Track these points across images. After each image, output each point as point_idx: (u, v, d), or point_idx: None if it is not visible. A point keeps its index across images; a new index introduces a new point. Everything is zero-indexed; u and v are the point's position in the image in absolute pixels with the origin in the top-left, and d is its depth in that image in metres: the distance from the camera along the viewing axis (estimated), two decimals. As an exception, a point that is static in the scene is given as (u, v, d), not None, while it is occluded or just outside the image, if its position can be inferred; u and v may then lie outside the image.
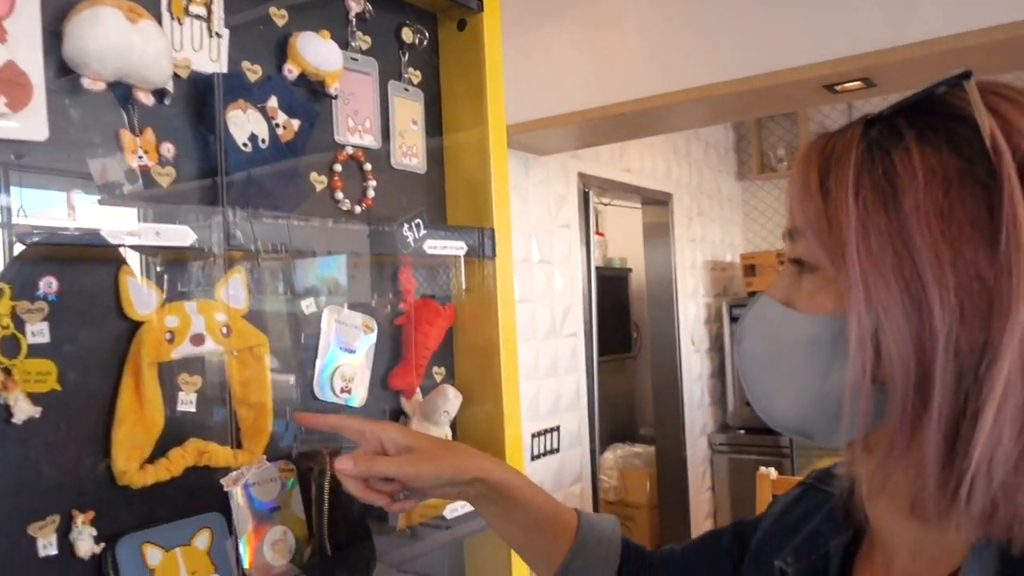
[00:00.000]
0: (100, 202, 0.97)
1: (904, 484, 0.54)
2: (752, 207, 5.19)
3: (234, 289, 1.09)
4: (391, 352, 1.35)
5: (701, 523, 4.44)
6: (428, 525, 1.45)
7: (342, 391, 1.25)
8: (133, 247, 0.94)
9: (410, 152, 1.36)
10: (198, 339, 1.05)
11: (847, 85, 2.29)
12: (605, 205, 5.03)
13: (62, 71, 0.93)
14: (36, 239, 0.85)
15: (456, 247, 1.33)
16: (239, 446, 1.11)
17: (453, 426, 1.41)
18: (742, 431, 4.54)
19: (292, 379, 1.21)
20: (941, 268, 0.50)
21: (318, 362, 1.22)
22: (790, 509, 0.78)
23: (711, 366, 4.69)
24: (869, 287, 0.52)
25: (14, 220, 0.89)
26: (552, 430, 3.31)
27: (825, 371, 0.57)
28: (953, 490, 0.50)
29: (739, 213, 5.18)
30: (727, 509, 4.54)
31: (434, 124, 1.44)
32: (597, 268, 3.79)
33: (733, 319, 4.52)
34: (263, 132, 1.10)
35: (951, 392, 0.50)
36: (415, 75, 1.40)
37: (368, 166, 1.28)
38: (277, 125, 1.12)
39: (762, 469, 2.33)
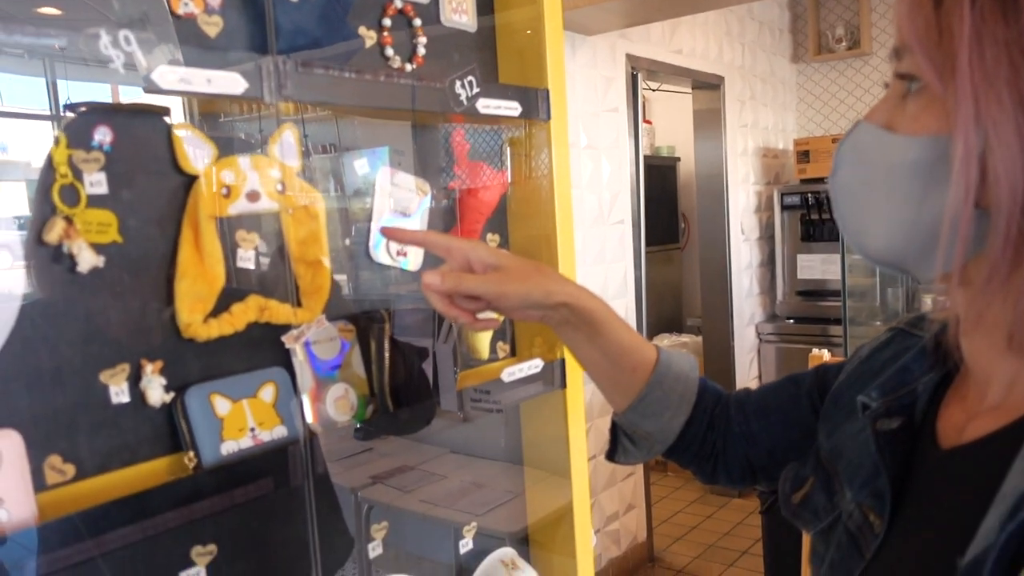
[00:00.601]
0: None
1: (1003, 316, 0.52)
2: (807, 91, 4.99)
3: (287, 145, 1.07)
4: (445, 217, 1.33)
5: (748, 411, 4.47)
6: (480, 406, 1.47)
7: (398, 254, 1.24)
8: (184, 92, 0.92)
9: (460, 8, 1.31)
10: (254, 195, 1.04)
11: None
12: (654, 91, 4.89)
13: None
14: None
15: (510, 107, 1.28)
16: (299, 304, 1.11)
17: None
18: (791, 320, 4.50)
19: (347, 241, 1.20)
20: None
21: (372, 224, 1.21)
22: (876, 354, 0.76)
23: (760, 255, 4.62)
24: (980, 102, 0.49)
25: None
26: (600, 317, 3.31)
27: (923, 197, 0.54)
28: None
29: (793, 97, 4.99)
30: (774, 398, 4.55)
31: (484, -20, 1.38)
32: (645, 157, 3.71)
33: (784, 207, 4.42)
34: (310, -18, 1.06)
35: None
36: (463, -73, 1.33)
37: (418, 21, 1.23)
38: (324, -25, 1.07)
39: (815, 350, 2.31)
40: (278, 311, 1.07)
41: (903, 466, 0.63)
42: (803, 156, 4.42)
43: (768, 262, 4.67)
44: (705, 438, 0.87)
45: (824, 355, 2.31)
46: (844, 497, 0.69)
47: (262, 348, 1.07)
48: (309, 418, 1.09)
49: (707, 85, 4.11)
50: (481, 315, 0.83)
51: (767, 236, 4.63)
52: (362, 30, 1.18)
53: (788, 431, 0.84)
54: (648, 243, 3.66)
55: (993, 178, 0.49)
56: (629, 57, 3.43)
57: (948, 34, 0.51)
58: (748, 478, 0.89)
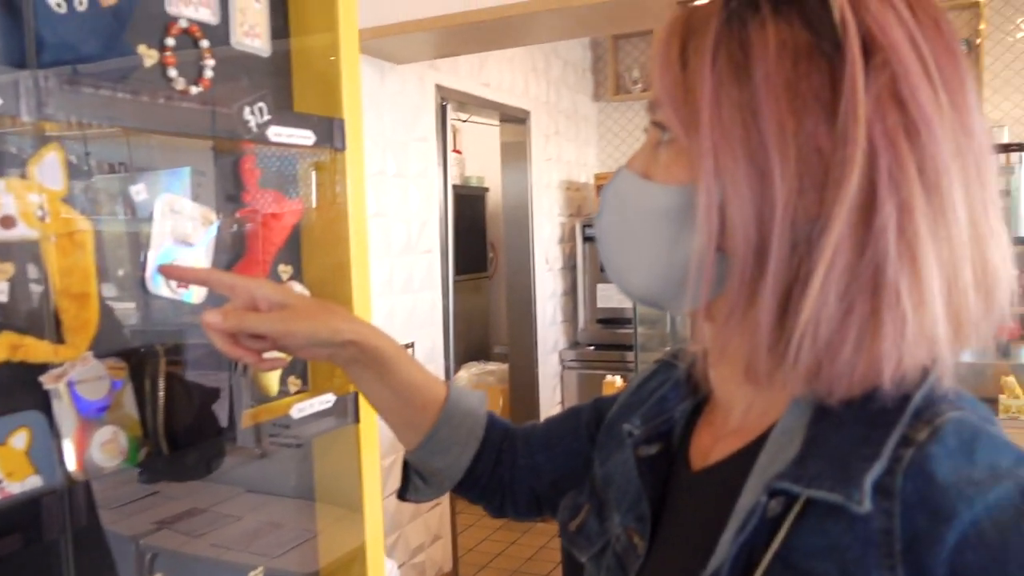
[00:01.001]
0: None
1: (741, 349, 0.56)
2: (607, 128, 5.26)
3: (50, 167, 0.98)
4: (235, 246, 1.27)
5: (552, 436, 4.59)
6: (279, 442, 1.41)
7: (179, 286, 1.17)
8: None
9: (252, 32, 1.26)
10: (8, 221, 0.94)
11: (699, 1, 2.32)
12: (463, 122, 4.97)
13: None
14: None
15: (303, 136, 1.25)
16: (61, 341, 1.02)
17: (301, 325, 1.35)
18: (592, 347, 4.70)
19: (121, 271, 1.12)
20: (784, 140, 0.51)
21: (150, 254, 1.13)
22: (644, 384, 0.80)
23: (564, 284, 4.80)
24: (718, 157, 0.53)
25: None
26: (407, 346, 3.29)
27: (675, 241, 0.58)
28: (782, 351, 0.52)
29: (594, 133, 5.25)
30: (576, 422, 4.71)
31: (279, 4, 1.34)
32: (454, 186, 3.75)
33: (586, 239, 4.62)
34: (80, -7, 0.98)
35: (786, 259, 0.52)
36: (257, -51, 1.29)
37: (205, 43, 1.18)
38: (97, -13, 1.00)
39: (608, 377, 2.42)
40: (35, 349, 0.98)
41: (662, 489, 0.68)
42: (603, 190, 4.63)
43: (571, 291, 4.86)
44: (493, 472, 0.88)
45: (616, 381, 2.43)
46: (613, 522, 0.72)
47: (15, 390, 0.97)
48: (71, 465, 1.00)
49: (514, 119, 4.23)
50: (267, 355, 0.80)
51: (570, 266, 4.82)
52: (142, 48, 1.11)
53: (571, 462, 0.87)
54: (457, 272, 3.69)
55: (730, 226, 0.53)
56: (439, 88, 3.47)
57: (692, 93, 0.55)
58: (534, 510, 0.90)
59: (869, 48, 0.50)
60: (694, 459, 0.67)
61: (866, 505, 0.48)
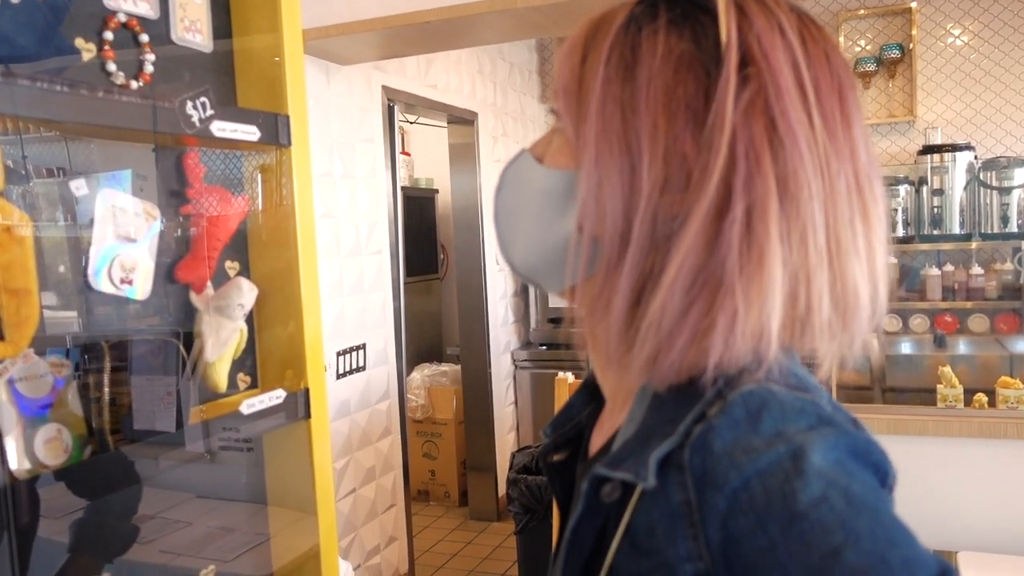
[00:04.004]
0: None
1: (603, 337, 0.60)
2: (554, 131, 5.29)
3: (-14, 162, 0.97)
4: (179, 243, 1.26)
5: (505, 436, 4.61)
6: (229, 445, 1.40)
7: (122, 282, 1.16)
8: None
9: (193, 27, 1.26)
10: (-57, 216, 0.93)
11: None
12: (412, 124, 4.96)
13: None
14: None
15: (247, 131, 1.25)
16: (1, 338, 1.00)
17: (250, 321, 1.35)
18: (543, 347, 4.72)
19: (62, 268, 1.10)
20: (656, 139, 0.55)
21: (92, 249, 1.12)
22: (571, 400, 0.83)
23: (515, 285, 4.82)
24: (599, 148, 0.57)
25: None
26: (358, 348, 3.28)
27: (553, 222, 0.62)
28: (631, 338, 0.56)
29: (541, 135, 5.27)
30: (529, 422, 4.74)
31: (221, 1, 1.34)
32: (403, 188, 3.75)
33: (536, 239, 4.64)
34: (15, -15, 0.97)
35: (644, 250, 0.55)
36: (198, -55, 1.28)
37: (144, 37, 1.17)
38: (32, -21, 0.99)
39: (560, 374, 2.43)
40: (-27, 346, 0.96)
41: (570, 490, 0.72)
42: (552, 191, 4.66)
43: (522, 291, 4.88)
44: None
45: (569, 378, 2.45)
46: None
47: (-47, 388, 0.95)
48: (13, 463, 0.98)
49: (461, 120, 4.24)
50: None
51: (521, 267, 4.83)
52: (79, 42, 1.10)
53: None
54: (408, 273, 3.68)
55: (601, 213, 0.57)
56: (385, 89, 3.47)
57: (586, 86, 0.59)
58: None
59: (749, 66, 0.54)
60: (592, 451, 0.71)
61: (651, 480, 0.52)
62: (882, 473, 0.52)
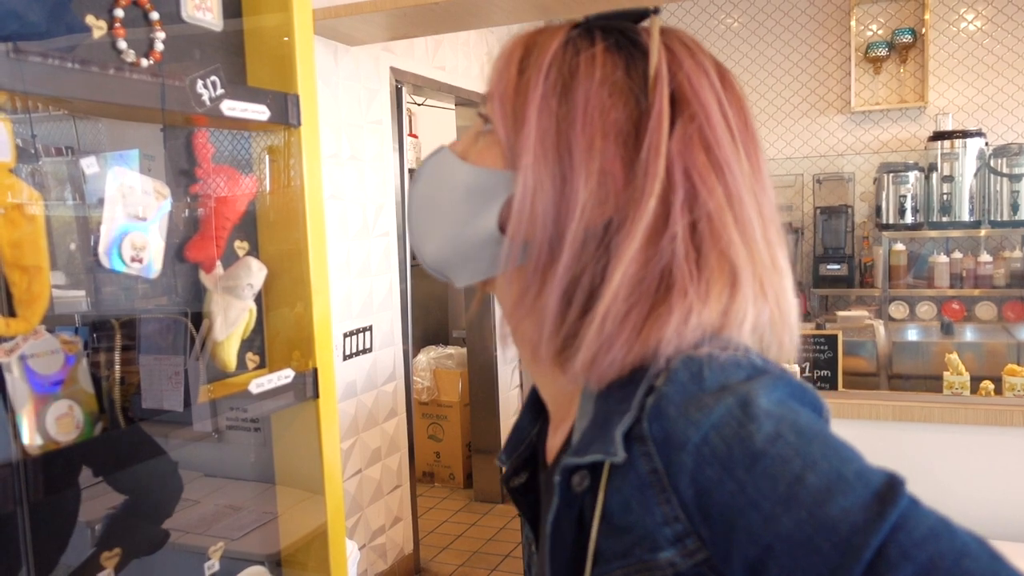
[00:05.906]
0: None
1: (529, 331, 0.63)
2: (563, 114, 5.27)
3: (-3, 139, 0.97)
4: (188, 222, 1.26)
5: (509, 419, 4.63)
6: (237, 425, 1.40)
7: (133, 260, 1.16)
8: None
9: (203, 5, 1.25)
10: (-45, 193, 0.93)
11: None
12: (419, 106, 4.95)
13: None
14: None
15: (257, 110, 1.25)
16: (12, 314, 1.00)
17: (259, 301, 1.35)
18: (550, 331, 4.72)
19: (73, 245, 1.10)
20: (591, 157, 0.59)
21: (103, 227, 1.12)
22: (518, 422, 0.83)
23: (522, 269, 4.81)
24: (536, 155, 0.61)
25: None
26: (365, 330, 3.29)
27: (471, 217, 0.65)
28: (564, 339, 0.60)
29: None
30: (535, 405, 4.74)
31: (231, -21, 1.33)
32: (411, 171, 3.73)
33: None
34: (26, -38, 0.97)
35: (576, 255, 0.59)
36: (208, -78, 1.27)
37: (155, 15, 1.17)
38: (43, -45, 0.98)
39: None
40: (-14, 322, 0.97)
41: (537, 508, 0.73)
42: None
43: (529, 275, 4.87)
44: None
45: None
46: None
47: (-35, 364, 0.95)
48: (25, 439, 0.99)
49: (469, 103, 4.22)
50: None
51: (528, 250, 4.83)
52: (90, 19, 1.09)
53: None
54: (415, 256, 3.68)
55: (532, 216, 0.60)
56: (393, 70, 3.45)
57: (523, 97, 0.62)
58: None
59: (680, 102, 0.60)
60: (549, 460, 0.72)
61: (620, 454, 0.55)
62: (818, 408, 0.56)
